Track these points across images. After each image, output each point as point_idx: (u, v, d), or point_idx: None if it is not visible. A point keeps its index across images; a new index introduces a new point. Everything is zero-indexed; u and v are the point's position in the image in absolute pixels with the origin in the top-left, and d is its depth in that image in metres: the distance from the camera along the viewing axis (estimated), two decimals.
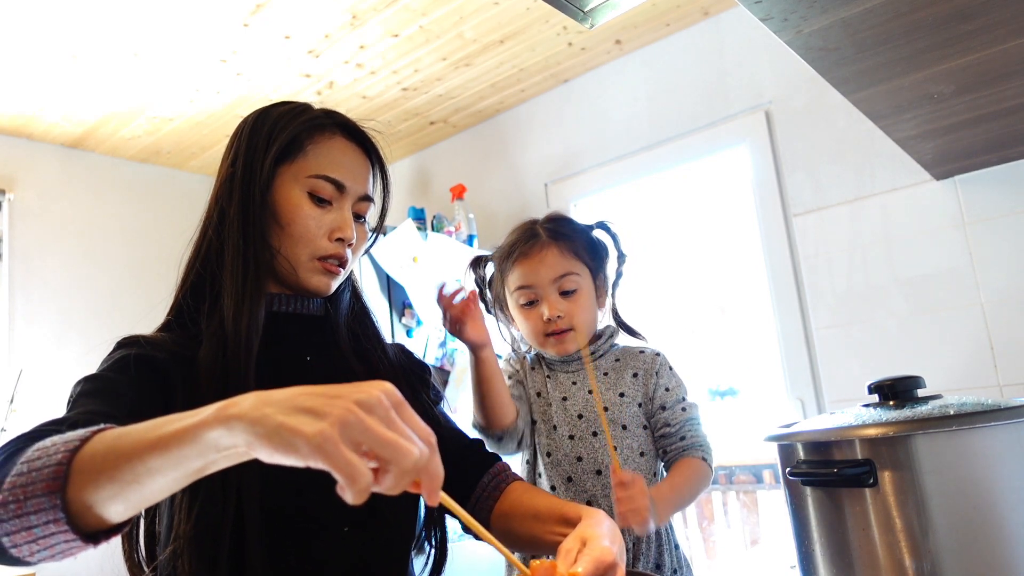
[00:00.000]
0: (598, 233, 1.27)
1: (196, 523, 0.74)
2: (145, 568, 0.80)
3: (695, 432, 1.13)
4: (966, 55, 0.97)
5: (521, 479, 0.98)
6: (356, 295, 1.01)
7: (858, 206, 2.07)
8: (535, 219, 1.24)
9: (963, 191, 1.89)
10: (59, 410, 0.76)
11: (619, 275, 1.27)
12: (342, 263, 0.90)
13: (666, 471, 1.13)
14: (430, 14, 2.23)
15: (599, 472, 1.08)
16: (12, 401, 2.50)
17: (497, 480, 0.95)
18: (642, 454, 1.15)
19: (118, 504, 0.52)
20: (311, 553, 0.78)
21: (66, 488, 0.51)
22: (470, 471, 0.95)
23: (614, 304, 1.26)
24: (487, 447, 1.01)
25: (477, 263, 1.32)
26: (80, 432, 0.54)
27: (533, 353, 1.26)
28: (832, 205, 2.12)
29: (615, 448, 1.05)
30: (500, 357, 1.18)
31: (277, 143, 0.87)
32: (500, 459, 0.99)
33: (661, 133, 2.53)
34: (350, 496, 0.45)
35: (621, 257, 1.26)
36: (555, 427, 1.12)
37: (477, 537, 0.63)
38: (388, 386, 0.50)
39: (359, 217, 0.93)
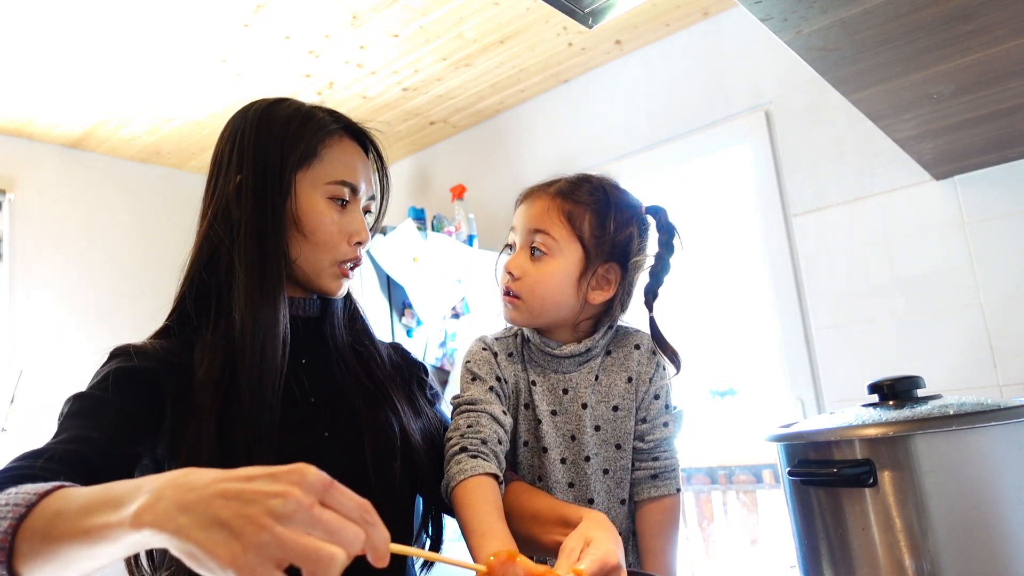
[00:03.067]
0: (648, 218, 1.04)
1: None
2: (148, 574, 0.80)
3: (670, 453, 1.00)
4: (966, 55, 0.97)
5: (520, 479, 0.97)
6: (349, 295, 1.01)
7: (858, 206, 2.07)
8: (587, 175, 1.04)
9: (963, 191, 1.89)
10: (58, 412, 0.76)
11: (655, 278, 1.02)
12: (357, 265, 0.91)
13: (635, 498, 1.00)
14: (430, 14, 2.23)
15: (591, 501, 1.01)
16: (12, 401, 2.50)
17: None
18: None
19: None
20: None
21: (12, 558, 0.51)
22: None
23: (651, 317, 1.02)
24: None
25: None
26: (30, 495, 0.54)
27: (520, 336, 1.05)
28: (832, 205, 2.12)
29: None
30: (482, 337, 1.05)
31: (295, 151, 0.86)
32: None
33: (661, 133, 2.53)
34: None
35: (662, 258, 1.02)
36: (545, 449, 0.98)
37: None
38: (310, 473, 0.47)
39: (364, 215, 0.94)
